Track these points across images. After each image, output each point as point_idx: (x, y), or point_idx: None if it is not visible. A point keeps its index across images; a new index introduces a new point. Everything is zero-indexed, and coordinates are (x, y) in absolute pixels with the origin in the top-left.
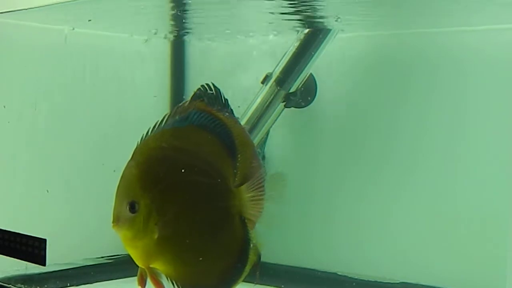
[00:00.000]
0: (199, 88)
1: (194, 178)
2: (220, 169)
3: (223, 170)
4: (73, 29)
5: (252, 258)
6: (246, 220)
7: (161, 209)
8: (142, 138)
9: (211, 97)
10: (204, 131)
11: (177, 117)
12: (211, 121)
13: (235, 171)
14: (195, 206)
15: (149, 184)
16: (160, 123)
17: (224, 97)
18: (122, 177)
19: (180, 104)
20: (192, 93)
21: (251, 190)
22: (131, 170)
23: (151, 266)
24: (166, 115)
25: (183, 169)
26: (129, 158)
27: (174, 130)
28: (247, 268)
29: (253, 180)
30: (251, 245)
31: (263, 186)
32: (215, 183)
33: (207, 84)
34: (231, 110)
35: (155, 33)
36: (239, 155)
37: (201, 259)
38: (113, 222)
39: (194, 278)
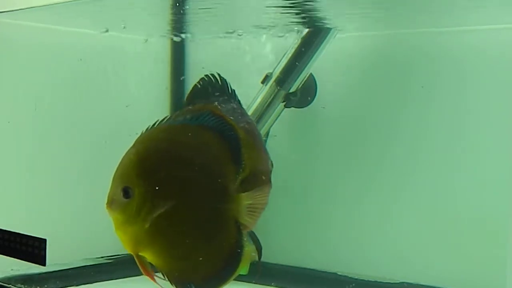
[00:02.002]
0: (203, 78)
1: (193, 176)
2: (222, 172)
3: (226, 173)
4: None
5: (243, 264)
6: (241, 226)
7: (155, 199)
8: (147, 128)
9: (216, 87)
10: (212, 133)
11: (188, 116)
12: (222, 125)
13: (237, 176)
14: (191, 203)
15: (145, 173)
16: (169, 118)
17: (231, 87)
18: (120, 162)
19: (194, 104)
20: (194, 84)
21: (251, 198)
22: (130, 157)
23: (140, 254)
24: (177, 112)
25: (183, 164)
26: (131, 146)
27: (181, 127)
28: (236, 272)
29: (255, 191)
30: (244, 251)
31: (264, 198)
32: (215, 184)
33: (212, 75)
34: (239, 101)
35: (155, 33)
36: (244, 162)
37: (190, 255)
38: (106, 204)
39: (182, 273)
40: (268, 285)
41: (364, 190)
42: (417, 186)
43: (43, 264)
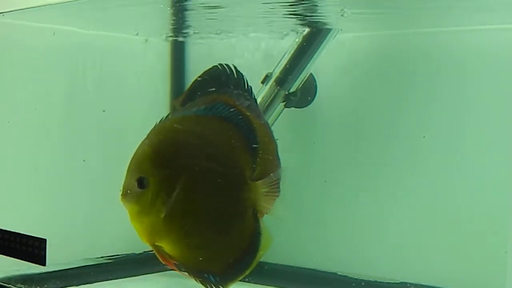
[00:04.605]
0: (216, 66)
1: (208, 165)
2: (238, 161)
3: (241, 162)
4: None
5: (261, 252)
6: (258, 213)
7: (170, 189)
8: (161, 119)
9: (233, 80)
10: (227, 123)
11: (202, 106)
12: (236, 115)
13: (254, 165)
14: (207, 192)
15: (160, 163)
16: (182, 109)
17: (247, 83)
18: (134, 153)
19: (208, 94)
20: (203, 72)
21: (267, 185)
22: (144, 147)
23: (156, 244)
24: (190, 103)
25: (197, 154)
26: (145, 137)
27: (195, 117)
28: (255, 261)
29: (270, 176)
30: (261, 239)
31: (278, 183)
32: (231, 174)
33: (227, 66)
34: (255, 98)
35: (155, 33)
36: (260, 151)
37: (207, 245)
38: (121, 195)
39: (199, 263)
40: (268, 285)
41: (364, 189)
42: (417, 186)
43: (43, 264)
